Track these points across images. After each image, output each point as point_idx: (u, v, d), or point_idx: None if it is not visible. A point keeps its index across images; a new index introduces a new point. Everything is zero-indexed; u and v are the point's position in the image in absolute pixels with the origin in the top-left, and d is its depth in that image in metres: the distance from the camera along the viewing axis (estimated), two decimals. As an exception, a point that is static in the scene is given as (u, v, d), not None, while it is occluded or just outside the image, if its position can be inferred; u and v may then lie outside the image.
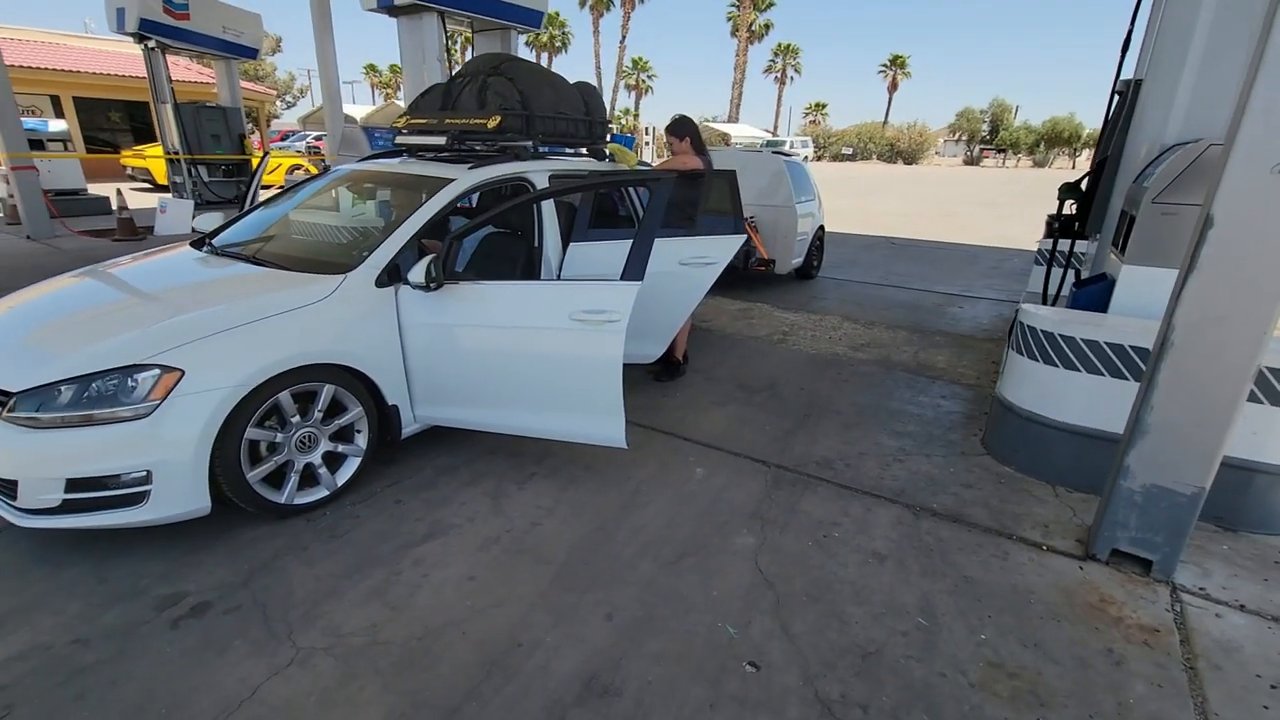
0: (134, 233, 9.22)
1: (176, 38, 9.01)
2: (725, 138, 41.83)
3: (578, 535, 2.64)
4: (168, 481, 2.29)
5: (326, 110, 11.73)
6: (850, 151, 55.34)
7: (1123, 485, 2.45)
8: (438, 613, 2.19)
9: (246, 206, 4.16)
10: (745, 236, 3.92)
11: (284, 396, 2.53)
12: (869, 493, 3.04)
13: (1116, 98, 4.14)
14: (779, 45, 59.41)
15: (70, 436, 2.21)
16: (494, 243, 3.84)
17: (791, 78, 61.05)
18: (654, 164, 5.38)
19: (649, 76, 58.02)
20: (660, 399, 4.09)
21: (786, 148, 34.51)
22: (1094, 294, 3.39)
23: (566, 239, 3.66)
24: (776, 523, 2.77)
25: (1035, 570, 2.51)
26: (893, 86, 60.70)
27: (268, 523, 2.62)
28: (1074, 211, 4.26)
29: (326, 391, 2.66)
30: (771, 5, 54.37)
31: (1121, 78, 4.16)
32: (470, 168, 3.36)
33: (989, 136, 56.63)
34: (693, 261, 3.73)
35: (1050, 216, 4.53)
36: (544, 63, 50.25)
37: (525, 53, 49.61)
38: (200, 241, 3.49)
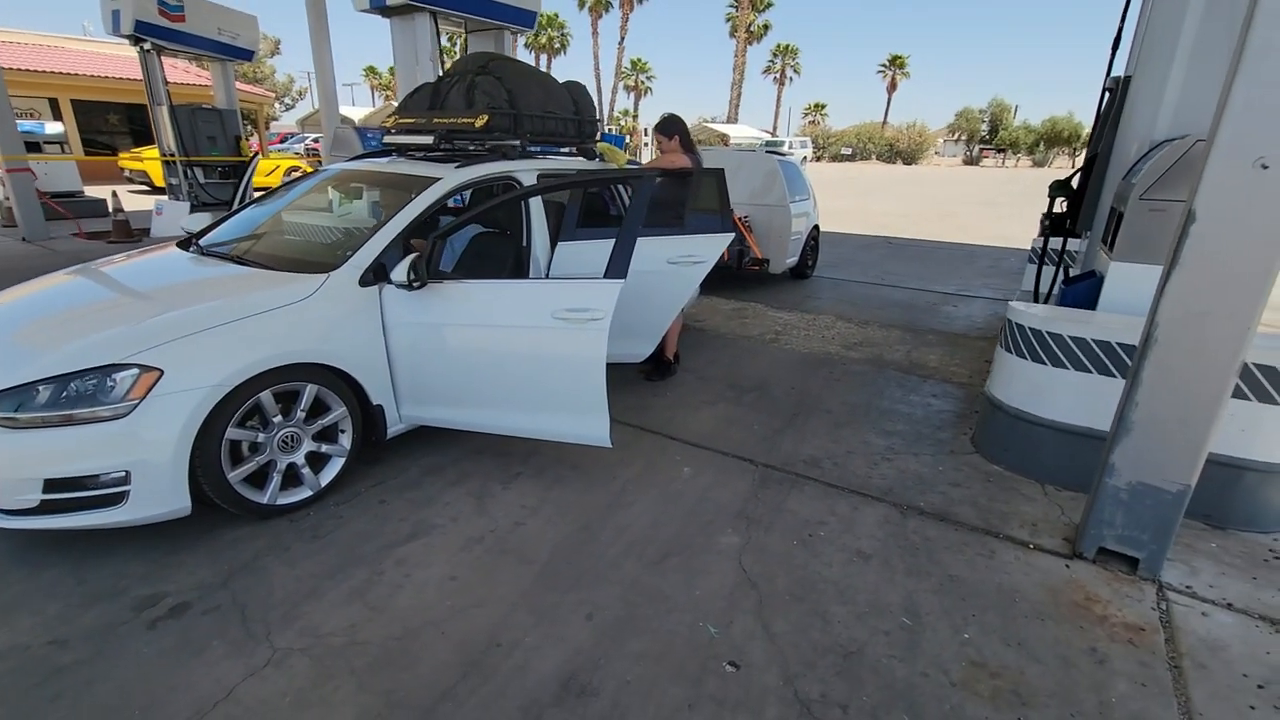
0: (129, 234, 9.22)
1: (172, 40, 9.01)
2: (724, 139, 41.83)
3: (561, 535, 2.63)
4: (147, 482, 2.27)
5: (323, 112, 11.74)
6: (849, 152, 55.37)
7: (1108, 483, 2.44)
8: (418, 613, 2.18)
9: (235, 207, 4.15)
10: (733, 235, 3.90)
11: (265, 396, 2.51)
12: (856, 491, 3.02)
13: (1107, 95, 4.13)
14: (778, 46, 59.49)
15: (49, 436, 2.20)
16: (483, 242, 3.83)
17: (791, 78, 61.15)
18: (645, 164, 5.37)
19: (648, 78, 58.08)
20: (650, 398, 4.07)
21: (785, 148, 34.52)
22: (1083, 291, 3.38)
23: (555, 238, 3.65)
24: (762, 522, 2.76)
25: (1021, 569, 2.50)
26: (892, 87, 60.73)
27: (250, 523, 2.61)
28: (1065, 209, 4.25)
29: (309, 391, 2.65)
30: (770, 6, 54.42)
31: (1112, 75, 4.15)
32: (457, 167, 3.35)
33: (988, 136, 56.63)
34: (681, 260, 3.72)
35: (1044, 215, 4.52)
36: (543, 64, 50.34)
37: (524, 54, 49.73)
38: (187, 241, 3.49)
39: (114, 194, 9.89)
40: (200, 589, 2.25)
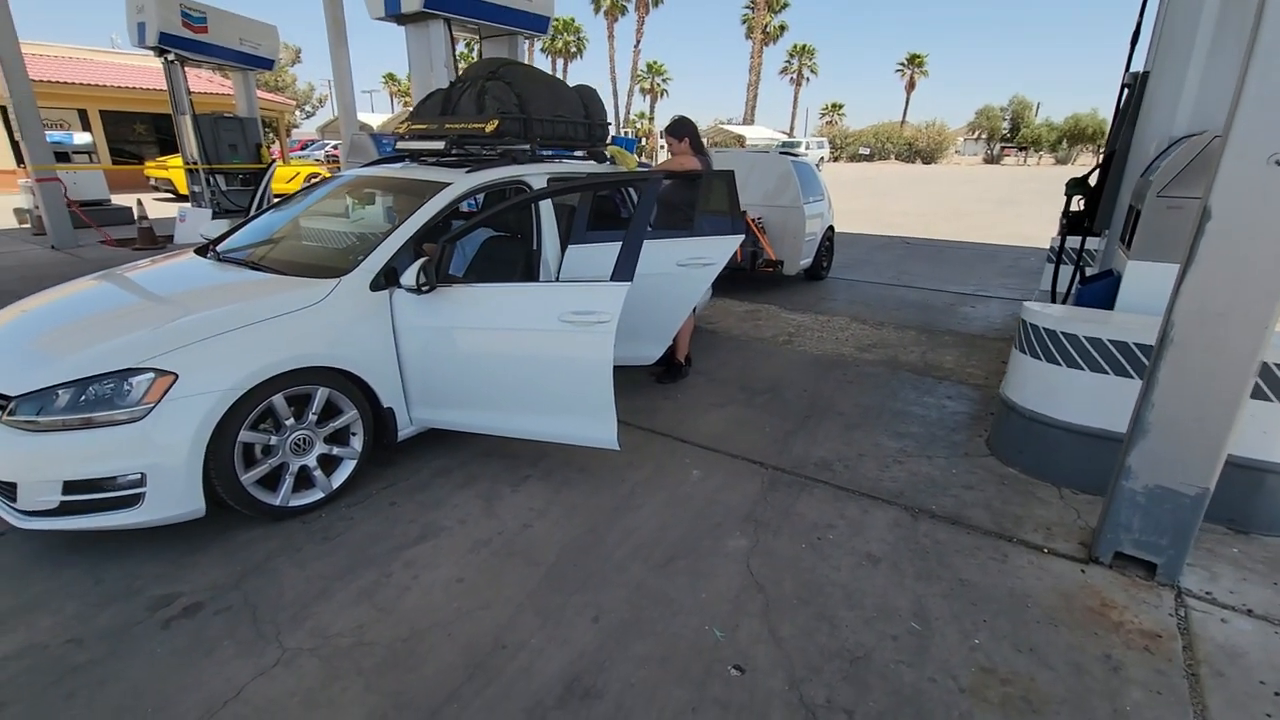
0: (154, 241, 9.43)
1: (195, 50, 9.19)
2: (740, 140, 41.71)
3: (569, 537, 2.63)
4: (162, 483, 2.32)
5: (341, 119, 11.91)
6: (868, 151, 54.88)
7: (1125, 486, 2.39)
8: (425, 614, 2.20)
9: (252, 213, 4.23)
10: (743, 236, 3.89)
11: (278, 400, 2.55)
12: (867, 494, 2.99)
13: (1125, 91, 4.06)
14: (794, 46, 59.14)
15: (68, 439, 2.26)
16: (494, 246, 3.86)
17: (807, 79, 60.76)
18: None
19: (664, 80, 58.07)
20: (661, 401, 4.07)
21: (802, 149, 34.32)
22: (1100, 291, 3.32)
23: (566, 242, 3.67)
24: (770, 525, 2.74)
25: (1034, 573, 2.45)
26: (910, 86, 60.09)
27: (263, 524, 2.65)
28: (1082, 207, 4.18)
29: (321, 394, 2.69)
30: (786, 6, 54.16)
31: (1131, 70, 4.08)
32: (467, 172, 3.38)
33: (1009, 134, 55.80)
34: (690, 262, 3.72)
35: (1062, 213, 4.45)
36: (559, 68, 50.63)
37: (541, 59, 50.05)
38: (205, 248, 3.56)
39: (139, 202, 10.13)
40: (213, 589, 2.29)
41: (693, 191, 3.87)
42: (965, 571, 2.46)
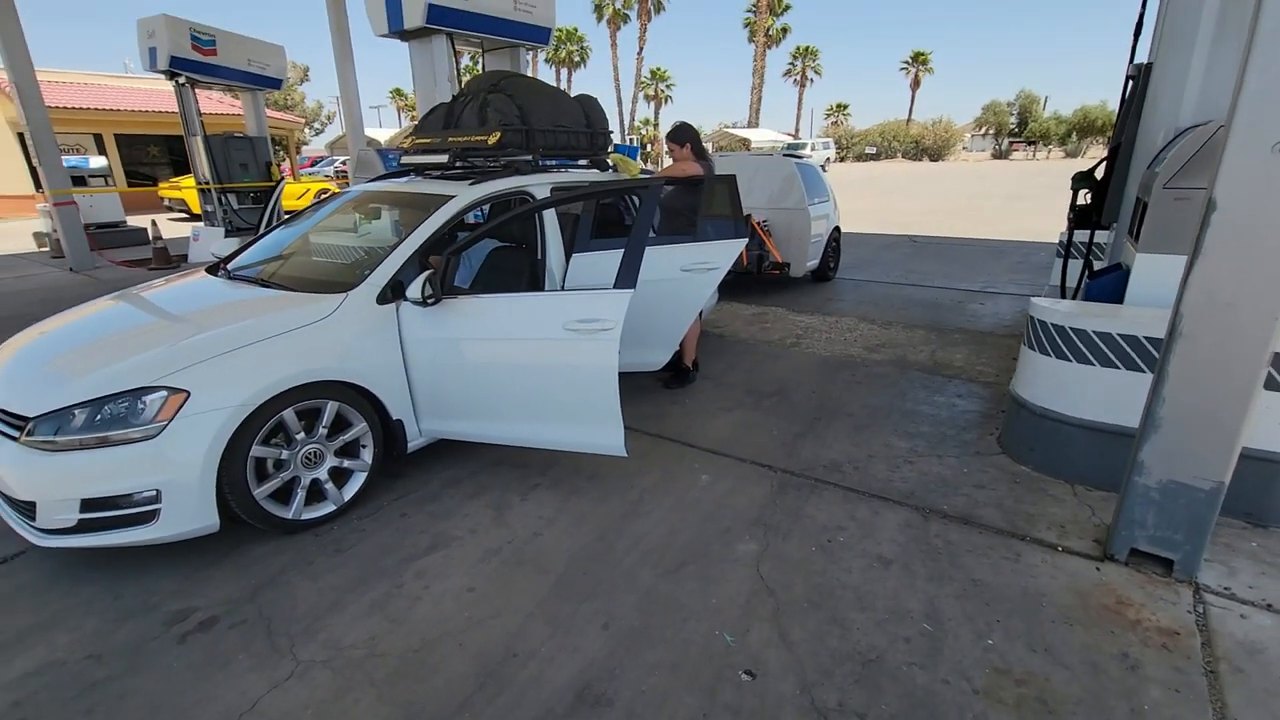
0: (168, 261, 9.58)
1: (205, 73, 9.36)
2: (745, 143, 41.71)
3: (578, 545, 2.64)
4: (176, 499, 2.36)
5: (349, 135, 12.08)
6: (874, 151, 54.67)
7: (1138, 482, 2.36)
8: (436, 624, 2.21)
9: (261, 231, 4.29)
10: (746, 240, 3.89)
11: (288, 414, 2.59)
12: (877, 496, 2.98)
13: (1130, 83, 4.02)
14: (798, 48, 59.09)
15: (85, 458, 2.30)
16: (499, 256, 3.89)
17: (811, 80, 60.62)
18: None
19: (667, 86, 58.21)
20: (668, 406, 4.07)
21: (807, 150, 34.22)
22: (1109, 284, 3.29)
23: (570, 250, 3.69)
24: (780, 528, 2.73)
25: (1049, 572, 2.43)
26: (915, 83, 59.84)
27: (276, 538, 2.68)
28: (1088, 201, 4.14)
29: (330, 408, 2.72)
30: (788, 9, 54.15)
31: (1134, 62, 4.04)
32: (471, 184, 3.41)
33: (1017, 129, 55.39)
34: (695, 267, 3.73)
35: (1069, 207, 4.42)
36: (563, 77, 50.91)
37: (545, 69, 50.36)
38: (216, 267, 3.61)
39: (153, 223, 10.31)
40: (228, 603, 2.32)
41: (695, 197, 3.88)
42: (978, 571, 2.44)
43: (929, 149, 53.42)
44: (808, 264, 7.14)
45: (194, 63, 9.09)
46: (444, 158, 3.73)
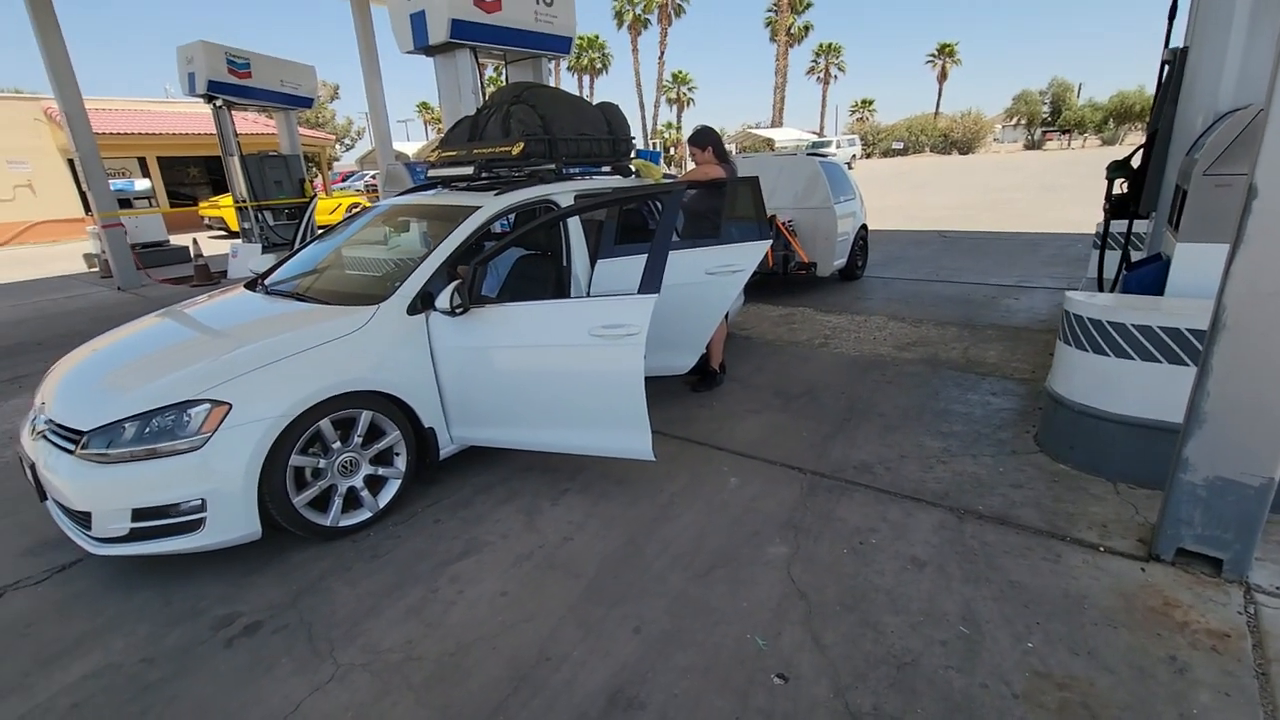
0: (210, 277, 9.91)
1: (240, 95, 9.68)
2: (769, 144, 41.45)
3: (608, 549, 2.66)
4: (221, 508, 2.44)
5: (378, 150, 12.36)
6: (901, 145, 53.83)
7: (1183, 479, 2.28)
8: (470, 628, 2.25)
9: (296, 246, 4.42)
10: (770, 241, 3.88)
11: (325, 424, 2.66)
12: (910, 497, 2.93)
13: (1165, 68, 3.90)
14: (820, 45, 58.55)
15: (135, 469, 2.40)
16: (525, 265, 3.94)
17: (835, 76, 59.96)
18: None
19: (689, 89, 58.19)
20: (696, 409, 4.07)
21: (832, 148, 33.84)
22: (1148, 276, 3.19)
23: (595, 257, 3.72)
24: (811, 531, 2.71)
25: (1090, 573, 2.36)
26: (942, 76, 58.79)
27: (315, 545, 2.76)
28: (1125, 190, 4.02)
29: (365, 418, 2.79)
30: (810, 6, 53.70)
31: (1170, 46, 3.92)
32: (496, 194, 3.47)
33: (1050, 118, 53.97)
34: (719, 270, 3.73)
35: (1105, 197, 4.30)
36: (585, 84, 51.23)
37: (567, 77, 50.78)
38: (254, 282, 3.73)
39: (194, 241, 10.68)
40: (271, 609, 2.39)
41: (718, 199, 3.88)
42: (1016, 573, 2.38)
43: (958, 142, 52.40)
44: (835, 263, 7.07)
45: (230, 85, 9.42)
46: (469, 170, 3.80)
